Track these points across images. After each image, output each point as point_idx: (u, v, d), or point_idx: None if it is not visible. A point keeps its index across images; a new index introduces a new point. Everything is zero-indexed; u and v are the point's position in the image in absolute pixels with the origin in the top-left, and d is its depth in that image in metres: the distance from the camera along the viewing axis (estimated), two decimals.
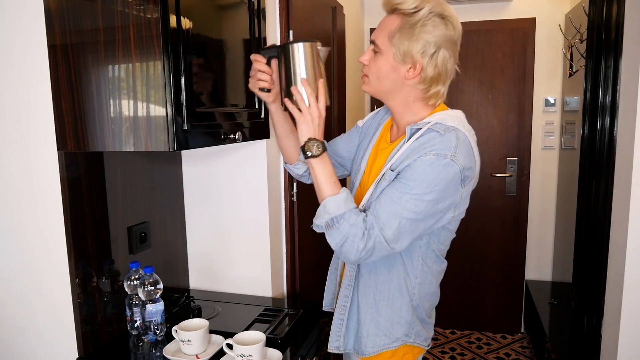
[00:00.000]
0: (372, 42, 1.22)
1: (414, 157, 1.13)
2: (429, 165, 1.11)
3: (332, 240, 1.15)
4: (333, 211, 1.14)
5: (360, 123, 1.48)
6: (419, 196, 1.11)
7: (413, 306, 1.27)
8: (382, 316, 1.27)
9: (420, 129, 1.18)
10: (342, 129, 2.60)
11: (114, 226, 1.48)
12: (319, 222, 1.16)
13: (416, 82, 1.18)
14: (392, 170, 1.17)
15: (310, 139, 1.16)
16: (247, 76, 1.50)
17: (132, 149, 1.20)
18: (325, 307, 1.49)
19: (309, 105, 1.17)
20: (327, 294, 1.48)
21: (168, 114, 1.15)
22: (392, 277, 1.25)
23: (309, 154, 1.16)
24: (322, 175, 1.17)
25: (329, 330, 1.35)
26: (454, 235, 1.29)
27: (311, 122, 1.17)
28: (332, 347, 1.34)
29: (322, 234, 1.22)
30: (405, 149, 1.17)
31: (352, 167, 1.45)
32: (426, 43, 1.14)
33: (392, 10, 1.17)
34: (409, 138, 1.19)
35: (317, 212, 1.18)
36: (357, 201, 1.34)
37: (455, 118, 1.20)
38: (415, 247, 1.23)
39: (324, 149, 1.17)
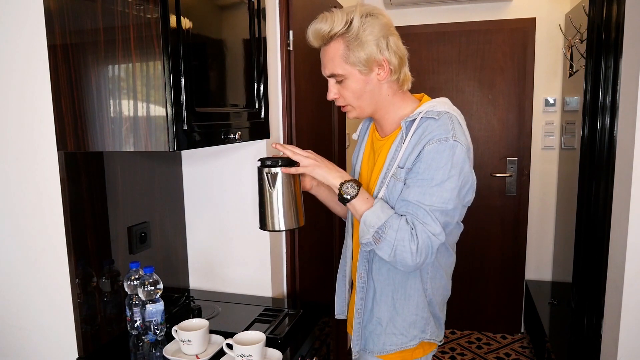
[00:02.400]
0: (330, 76, 1.23)
1: (418, 150, 1.16)
2: (436, 153, 1.14)
3: (384, 253, 1.16)
4: (375, 223, 1.15)
5: (355, 136, 1.50)
6: (440, 186, 1.13)
7: (427, 302, 1.30)
8: (399, 315, 1.29)
9: (415, 119, 1.21)
10: (342, 133, 2.60)
11: (114, 226, 1.48)
12: (365, 240, 1.18)
13: (389, 76, 1.22)
14: (401, 168, 1.19)
15: (342, 183, 1.20)
16: (247, 76, 1.51)
17: (132, 149, 1.20)
18: (338, 315, 1.51)
19: (308, 155, 1.26)
20: (338, 302, 1.50)
21: (168, 114, 1.15)
22: (408, 275, 1.27)
23: (348, 197, 1.19)
24: (358, 202, 1.20)
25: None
26: (462, 227, 1.31)
27: (324, 165, 1.24)
28: (355, 351, 1.37)
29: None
30: (407, 144, 1.20)
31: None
32: (376, 41, 1.18)
33: (328, 39, 1.20)
34: (407, 132, 1.22)
35: (360, 232, 1.19)
36: None
37: (444, 104, 1.25)
38: None
39: (358, 188, 1.20)
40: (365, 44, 1.17)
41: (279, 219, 1.29)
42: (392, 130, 1.29)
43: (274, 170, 1.27)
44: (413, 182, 1.16)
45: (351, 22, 1.16)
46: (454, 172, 1.13)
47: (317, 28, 1.19)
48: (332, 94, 1.25)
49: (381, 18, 1.19)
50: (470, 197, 1.23)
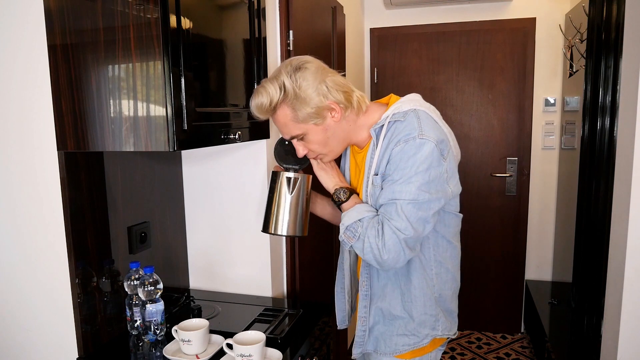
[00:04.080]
0: (292, 138, 1.26)
1: (388, 154, 1.19)
2: (403, 153, 1.16)
3: (358, 250, 1.21)
4: (345, 222, 1.22)
5: None
6: (407, 182, 1.15)
7: (435, 298, 1.31)
8: (410, 316, 1.30)
9: (383, 125, 1.23)
10: None
11: (114, 226, 1.48)
12: (340, 238, 1.24)
13: (343, 114, 1.23)
14: (376, 175, 1.23)
15: (336, 189, 1.28)
16: (247, 76, 1.51)
17: (132, 149, 1.20)
18: (340, 325, 1.52)
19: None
20: (338, 313, 1.52)
21: (168, 114, 1.15)
22: (412, 278, 1.28)
23: (339, 200, 1.27)
24: (346, 208, 1.26)
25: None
26: (460, 215, 1.32)
27: (329, 172, 1.31)
28: (356, 353, 1.38)
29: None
30: (379, 149, 1.22)
31: None
32: (316, 90, 1.18)
33: (273, 109, 1.21)
34: (377, 140, 1.24)
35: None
36: None
37: (411, 101, 1.25)
38: (424, 240, 1.26)
39: (351, 193, 1.26)
40: (307, 98, 1.18)
41: (286, 224, 1.30)
42: (367, 142, 1.30)
43: (295, 175, 1.29)
44: (385, 185, 1.20)
45: (284, 86, 1.18)
46: (422, 167, 1.14)
47: (259, 104, 1.20)
48: (300, 152, 1.28)
49: (310, 66, 1.20)
50: (454, 187, 1.23)
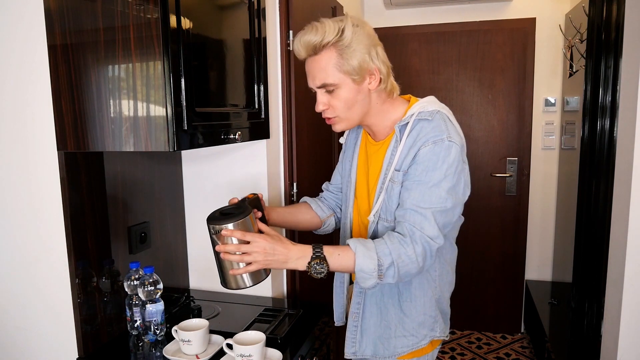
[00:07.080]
0: (321, 86, 1.20)
1: (413, 152, 1.17)
2: (432, 155, 1.15)
3: (390, 279, 1.15)
4: (372, 266, 1.13)
5: (342, 140, 1.50)
6: (437, 186, 1.14)
7: (436, 299, 1.30)
8: (408, 317, 1.29)
9: (408, 123, 1.22)
10: (342, 133, 2.59)
11: (114, 226, 1.48)
12: (370, 284, 1.15)
13: (379, 85, 1.22)
14: (398, 171, 1.20)
15: (308, 267, 1.14)
16: (247, 76, 1.51)
17: (132, 149, 1.20)
18: (337, 322, 1.51)
19: (252, 249, 1.13)
20: (337, 308, 1.50)
21: (168, 114, 1.15)
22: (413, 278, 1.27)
23: (321, 276, 1.14)
24: (338, 265, 1.16)
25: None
26: (462, 219, 1.31)
27: (274, 257, 1.13)
28: (349, 353, 1.36)
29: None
30: (402, 146, 1.21)
31: (342, 182, 1.46)
32: (367, 50, 1.18)
33: (320, 48, 1.17)
34: (401, 136, 1.22)
35: (359, 279, 1.16)
36: (358, 212, 1.35)
37: (433, 103, 1.26)
38: None
39: (326, 261, 1.14)
40: (358, 52, 1.16)
41: (243, 276, 1.18)
42: (386, 135, 1.29)
43: (218, 228, 1.16)
44: (411, 186, 1.17)
45: (343, 31, 1.16)
46: (449, 171, 1.15)
47: (308, 39, 1.16)
48: (321, 106, 1.22)
49: (367, 29, 1.20)
50: (467, 193, 1.24)
